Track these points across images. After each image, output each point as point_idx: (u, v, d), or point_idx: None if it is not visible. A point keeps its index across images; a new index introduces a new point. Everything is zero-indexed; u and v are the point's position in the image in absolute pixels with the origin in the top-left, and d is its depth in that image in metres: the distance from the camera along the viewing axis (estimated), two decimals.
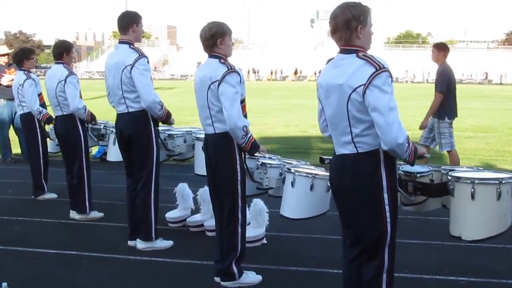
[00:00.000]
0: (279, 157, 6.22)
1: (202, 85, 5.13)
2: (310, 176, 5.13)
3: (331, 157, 4.29)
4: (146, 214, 6.28)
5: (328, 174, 4.70)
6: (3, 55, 11.55)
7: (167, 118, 6.29)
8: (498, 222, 4.31)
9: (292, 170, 5.29)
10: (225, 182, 5.19)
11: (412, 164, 3.92)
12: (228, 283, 5.33)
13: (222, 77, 4.96)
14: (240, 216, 5.25)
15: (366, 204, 3.88)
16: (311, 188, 5.12)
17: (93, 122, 7.86)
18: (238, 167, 5.16)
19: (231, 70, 4.99)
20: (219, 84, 4.97)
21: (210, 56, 5.18)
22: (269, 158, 6.00)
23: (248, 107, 5.17)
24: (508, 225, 4.36)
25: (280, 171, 5.67)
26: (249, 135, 5.04)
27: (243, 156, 5.23)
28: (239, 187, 5.19)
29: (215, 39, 5.10)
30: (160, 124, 6.43)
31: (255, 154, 5.43)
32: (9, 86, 10.54)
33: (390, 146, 3.68)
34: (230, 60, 5.20)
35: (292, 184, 5.24)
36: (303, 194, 5.18)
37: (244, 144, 5.05)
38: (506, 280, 5.54)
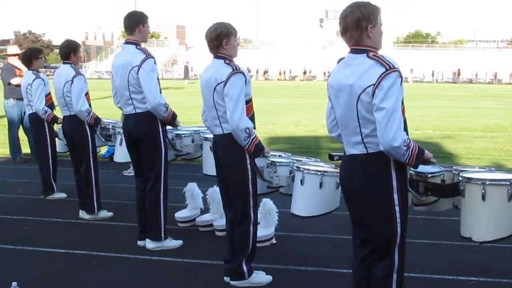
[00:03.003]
0: (289, 154, 6.22)
1: (208, 86, 5.13)
2: (319, 173, 5.13)
3: (340, 154, 4.29)
4: (155, 214, 6.29)
5: (337, 171, 4.70)
6: (14, 55, 11.59)
7: (172, 120, 6.27)
8: (509, 223, 4.28)
9: (301, 168, 5.28)
10: (236, 182, 5.19)
11: (415, 167, 3.92)
12: (237, 282, 5.33)
13: (227, 78, 4.96)
14: (252, 215, 5.25)
15: (376, 205, 3.88)
16: (321, 185, 5.11)
17: (101, 126, 7.85)
18: (249, 166, 5.16)
19: (236, 71, 4.98)
20: (224, 85, 4.96)
21: (216, 57, 5.17)
22: (279, 156, 6.00)
23: (257, 107, 5.17)
24: None
25: (290, 169, 5.67)
26: (252, 136, 5.02)
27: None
28: (250, 186, 5.18)
29: (220, 39, 5.10)
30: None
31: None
32: (18, 86, 10.56)
33: (385, 147, 3.67)
34: (238, 59, 5.19)
35: (302, 182, 5.23)
36: (313, 192, 5.17)
37: (248, 146, 5.04)
38: None
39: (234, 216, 5.30)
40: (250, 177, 5.18)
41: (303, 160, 5.94)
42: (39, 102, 8.39)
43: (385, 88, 3.61)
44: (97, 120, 7.62)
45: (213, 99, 5.10)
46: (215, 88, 5.05)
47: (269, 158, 5.74)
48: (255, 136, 5.07)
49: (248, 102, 5.03)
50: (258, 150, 5.15)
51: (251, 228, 5.27)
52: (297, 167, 5.37)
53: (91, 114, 7.43)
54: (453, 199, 4.76)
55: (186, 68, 61.29)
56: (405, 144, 3.67)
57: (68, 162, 8.23)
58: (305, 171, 5.23)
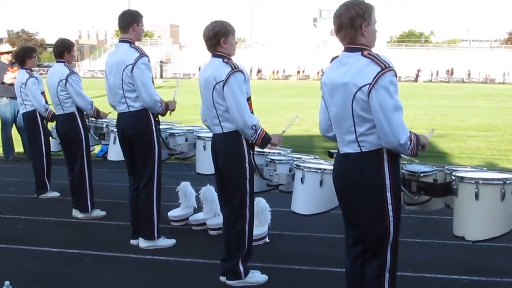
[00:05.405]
0: (289, 151, 6.22)
1: (207, 86, 5.12)
2: (320, 171, 5.12)
3: None
4: (148, 212, 6.28)
5: None
6: (6, 52, 11.55)
7: (166, 111, 6.34)
8: (502, 222, 4.30)
9: (301, 166, 5.27)
10: (234, 181, 5.18)
11: (415, 156, 3.93)
12: (234, 282, 5.32)
13: (227, 77, 4.95)
14: (248, 214, 5.24)
15: (369, 203, 3.88)
16: (321, 183, 5.10)
17: (99, 117, 7.94)
18: (247, 165, 5.16)
19: (235, 69, 4.98)
20: (224, 85, 4.96)
21: (214, 55, 5.16)
22: (278, 153, 5.99)
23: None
24: None
25: (290, 167, 5.68)
26: (259, 131, 5.04)
27: (251, 154, 5.23)
28: (247, 185, 5.18)
29: (218, 38, 5.09)
30: (162, 122, 6.46)
31: (265, 150, 5.49)
32: (11, 85, 10.53)
33: (392, 146, 3.70)
34: (233, 59, 5.18)
35: (302, 181, 5.23)
36: (313, 190, 5.16)
37: (255, 140, 5.08)
38: (508, 278, 5.54)
39: (230, 215, 5.29)
40: (248, 176, 5.18)
41: (302, 157, 5.93)
42: (39, 99, 8.41)
43: (383, 88, 3.62)
44: (98, 113, 7.85)
45: (212, 98, 5.09)
46: (214, 87, 5.04)
47: (268, 156, 5.75)
48: (261, 129, 5.10)
49: (248, 100, 5.04)
50: (265, 142, 5.19)
51: (247, 228, 5.26)
52: (297, 165, 5.37)
53: (93, 107, 7.63)
54: (445, 198, 4.78)
55: (160, 67, 64.25)
56: (410, 138, 3.70)
57: (62, 161, 8.22)
58: (305, 169, 5.22)
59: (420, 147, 3.91)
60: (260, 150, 5.59)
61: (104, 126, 8.30)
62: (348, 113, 3.79)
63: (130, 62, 5.99)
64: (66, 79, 7.34)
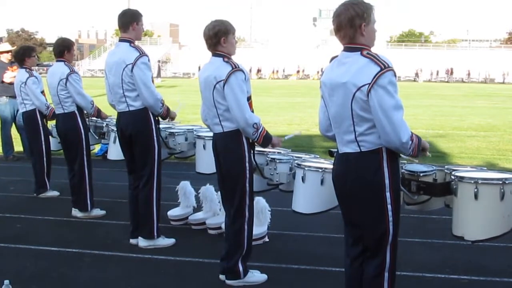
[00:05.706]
0: (289, 151, 6.22)
1: (207, 85, 5.12)
2: (320, 170, 5.11)
3: None
4: (148, 212, 6.28)
5: None
6: (6, 52, 11.55)
7: (167, 114, 6.32)
8: (501, 222, 4.30)
9: (302, 165, 5.27)
10: (234, 180, 5.18)
11: (416, 157, 3.92)
12: (233, 281, 5.32)
13: (227, 77, 4.95)
14: (247, 213, 5.24)
15: (369, 203, 3.88)
16: (322, 182, 5.08)
17: (100, 118, 7.96)
18: (247, 165, 5.16)
19: (236, 69, 4.98)
20: (224, 84, 4.96)
21: (214, 55, 5.16)
22: (278, 153, 6.00)
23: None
24: (511, 226, 4.34)
25: (290, 166, 5.68)
26: (260, 130, 5.05)
27: (252, 153, 5.23)
28: (247, 185, 5.18)
29: (219, 37, 5.09)
30: (161, 121, 6.46)
31: (266, 149, 5.48)
32: (11, 84, 10.53)
33: (394, 145, 3.69)
34: (233, 58, 5.18)
35: (303, 179, 5.22)
36: (315, 189, 5.15)
37: (256, 139, 5.09)
38: (508, 278, 5.54)
39: (230, 213, 5.29)
40: (247, 176, 5.18)
41: (303, 157, 5.93)
42: (40, 97, 8.44)
43: (382, 88, 3.62)
44: (99, 112, 7.89)
45: (212, 97, 5.09)
46: (214, 87, 5.03)
47: (268, 155, 5.76)
48: (263, 128, 5.10)
49: (248, 99, 5.03)
50: (267, 141, 5.19)
51: (246, 227, 5.26)
52: (298, 164, 5.36)
53: (94, 106, 7.64)
54: (445, 198, 4.78)
55: (158, 67, 64.71)
56: (411, 138, 3.71)
57: (61, 160, 8.22)
58: (306, 168, 5.22)
59: (421, 150, 3.92)
60: (261, 149, 5.59)
61: (104, 125, 8.31)
62: (347, 113, 3.79)
63: (130, 61, 5.98)
64: (67, 78, 7.35)
